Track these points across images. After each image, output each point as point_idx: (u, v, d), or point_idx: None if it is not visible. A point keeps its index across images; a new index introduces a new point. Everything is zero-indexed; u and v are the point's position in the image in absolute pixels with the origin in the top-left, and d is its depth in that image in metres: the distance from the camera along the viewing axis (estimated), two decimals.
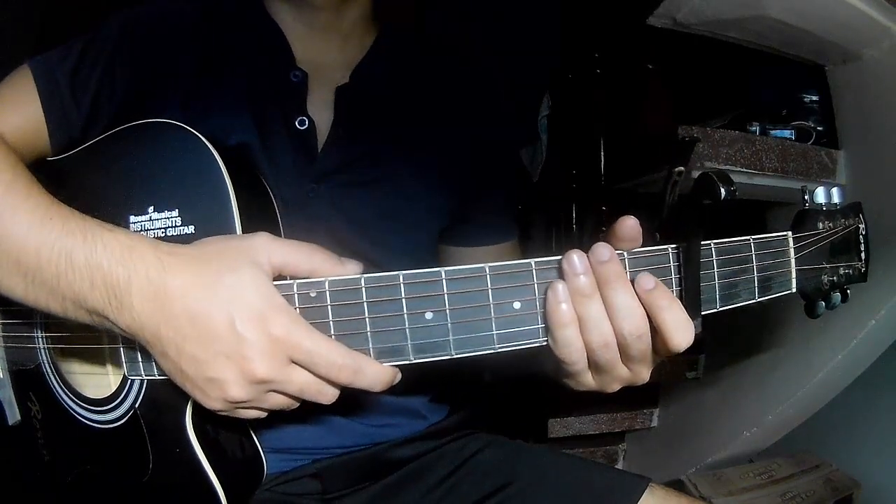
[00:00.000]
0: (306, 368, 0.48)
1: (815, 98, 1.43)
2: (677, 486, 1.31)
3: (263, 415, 0.52)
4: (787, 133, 1.39)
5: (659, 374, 1.64)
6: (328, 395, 0.50)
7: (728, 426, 1.48)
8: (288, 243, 0.50)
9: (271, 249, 0.49)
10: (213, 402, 0.49)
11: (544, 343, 0.49)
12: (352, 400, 0.72)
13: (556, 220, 1.90)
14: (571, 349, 0.48)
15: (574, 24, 1.84)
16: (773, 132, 1.38)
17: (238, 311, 0.46)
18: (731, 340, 1.57)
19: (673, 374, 1.65)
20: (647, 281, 0.47)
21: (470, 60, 0.85)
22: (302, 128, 0.71)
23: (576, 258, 0.47)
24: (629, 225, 0.48)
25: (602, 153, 1.77)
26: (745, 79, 1.56)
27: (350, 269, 0.51)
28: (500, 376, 0.83)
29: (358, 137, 0.73)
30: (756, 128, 1.39)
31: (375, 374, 0.49)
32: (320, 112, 0.72)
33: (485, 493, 0.71)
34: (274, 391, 0.49)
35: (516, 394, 1.66)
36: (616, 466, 1.80)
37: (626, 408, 1.74)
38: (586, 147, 1.81)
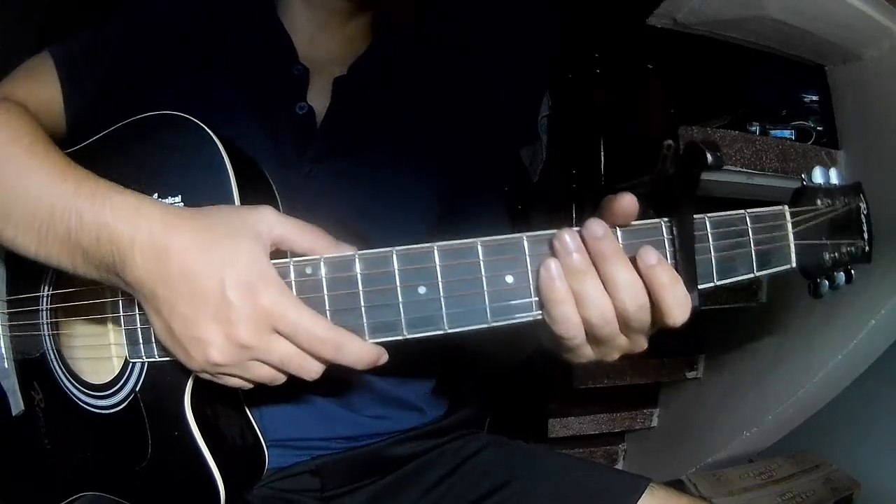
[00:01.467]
0: (289, 340, 0.49)
1: (815, 98, 1.43)
2: (677, 486, 1.31)
3: (248, 385, 0.52)
4: (787, 133, 1.39)
5: (659, 373, 1.65)
6: (311, 370, 0.50)
7: (728, 426, 1.48)
8: (291, 220, 0.51)
9: (273, 223, 0.50)
10: (194, 363, 0.50)
11: (538, 317, 0.49)
12: (348, 389, 0.73)
13: (556, 220, 1.90)
14: (569, 325, 0.48)
15: (574, 25, 1.84)
16: (773, 132, 1.39)
17: (229, 277, 0.47)
18: (731, 340, 1.57)
19: (673, 374, 1.65)
20: (650, 256, 0.46)
21: (468, 56, 0.87)
22: (301, 112, 0.74)
23: (567, 237, 0.46)
24: (627, 202, 0.47)
25: (602, 153, 1.77)
26: (745, 79, 1.56)
27: (346, 251, 0.51)
28: (499, 361, 0.83)
29: (355, 122, 0.75)
30: (756, 128, 1.39)
31: (358, 350, 0.49)
32: (319, 99, 0.75)
33: (483, 492, 0.71)
34: (256, 360, 0.49)
35: (516, 393, 1.65)
36: (616, 466, 1.80)
37: (626, 408, 1.74)
38: (586, 147, 1.81)
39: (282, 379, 0.52)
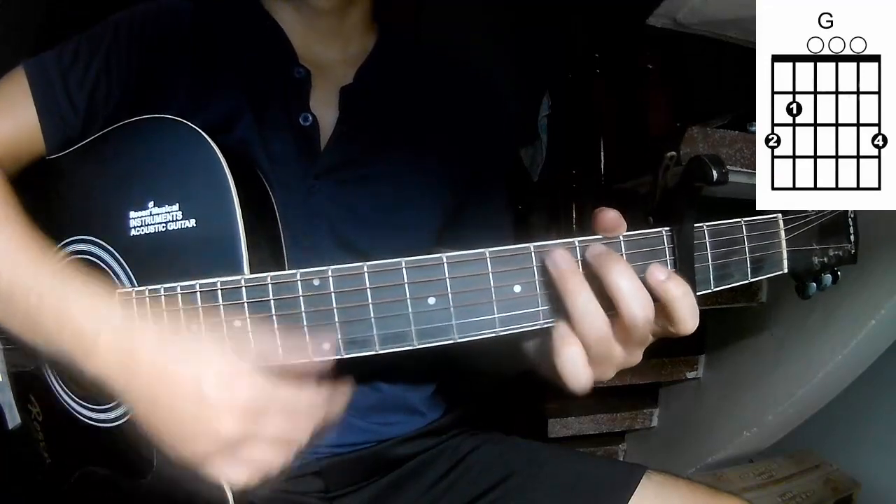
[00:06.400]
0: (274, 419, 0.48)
1: None
2: None
3: (246, 474, 0.50)
4: None
5: (659, 373, 1.65)
6: (303, 436, 0.50)
7: (728, 426, 1.48)
8: None
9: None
10: (183, 456, 0.49)
11: (545, 325, 0.49)
12: (357, 396, 0.72)
13: (556, 219, 1.90)
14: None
15: (574, 25, 1.85)
16: None
17: (205, 373, 0.47)
18: (731, 340, 1.57)
19: (673, 374, 1.65)
20: (660, 272, 0.47)
21: (469, 62, 0.85)
22: (306, 124, 0.71)
23: (559, 255, 0.47)
24: (610, 217, 0.49)
25: (602, 153, 1.77)
26: (745, 79, 1.56)
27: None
28: (498, 372, 0.84)
29: (361, 135, 0.73)
30: (756, 128, 1.38)
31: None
32: (323, 109, 0.72)
33: (484, 488, 0.72)
34: (248, 446, 0.49)
35: (516, 394, 1.66)
36: None
37: (626, 408, 1.74)
38: (586, 147, 1.81)
39: (284, 456, 0.50)
